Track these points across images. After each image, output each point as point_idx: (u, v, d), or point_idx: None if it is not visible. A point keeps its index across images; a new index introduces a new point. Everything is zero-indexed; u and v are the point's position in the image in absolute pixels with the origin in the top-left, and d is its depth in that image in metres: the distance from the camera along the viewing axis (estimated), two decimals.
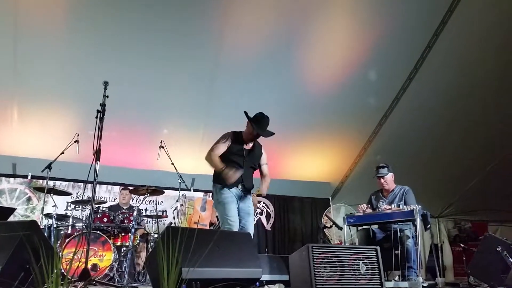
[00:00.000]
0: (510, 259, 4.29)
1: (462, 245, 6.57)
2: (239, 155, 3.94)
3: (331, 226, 6.08)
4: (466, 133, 6.69)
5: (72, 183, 6.94)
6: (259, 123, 3.89)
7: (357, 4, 5.51)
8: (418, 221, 4.30)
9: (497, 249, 4.46)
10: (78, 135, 5.25)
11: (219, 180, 3.90)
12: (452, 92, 6.22)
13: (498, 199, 7.52)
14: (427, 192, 6.69)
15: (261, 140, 4.11)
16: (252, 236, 3.87)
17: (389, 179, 4.95)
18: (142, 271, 5.12)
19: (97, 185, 3.50)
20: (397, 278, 4.53)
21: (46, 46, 5.31)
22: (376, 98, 6.62)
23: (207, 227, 6.64)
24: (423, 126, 6.70)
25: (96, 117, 3.58)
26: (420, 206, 4.36)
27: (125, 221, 5.11)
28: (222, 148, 3.93)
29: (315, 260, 3.15)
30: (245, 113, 3.96)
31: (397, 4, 5.38)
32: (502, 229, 8.41)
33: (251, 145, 4.03)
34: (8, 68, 5.41)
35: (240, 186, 3.92)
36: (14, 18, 4.97)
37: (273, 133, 3.99)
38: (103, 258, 4.66)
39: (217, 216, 6.04)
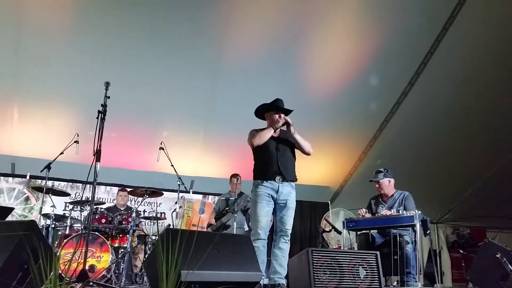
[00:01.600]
0: (509, 266, 4.27)
1: (461, 251, 6.55)
2: (271, 141, 3.84)
3: (330, 231, 6.06)
4: (466, 140, 6.68)
5: (70, 183, 6.93)
6: (275, 102, 3.94)
7: (359, 9, 5.52)
8: (418, 226, 4.29)
9: (496, 255, 4.44)
10: (78, 135, 5.23)
11: (256, 174, 3.82)
12: (452, 98, 6.22)
13: (497, 205, 7.52)
14: (426, 198, 6.68)
15: None
16: (291, 230, 3.80)
17: (384, 184, 4.92)
18: (139, 273, 5.10)
19: (96, 186, 3.47)
20: (395, 283, 4.52)
21: (47, 46, 5.30)
22: (377, 102, 6.62)
23: (205, 227, 6.62)
24: (424, 132, 6.70)
25: (97, 118, 3.56)
26: (419, 212, 4.35)
27: (123, 222, 5.08)
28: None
29: (314, 264, 3.13)
30: (261, 106, 3.97)
31: (399, 10, 5.39)
32: (501, 235, 8.40)
33: (278, 133, 3.95)
34: (9, 67, 5.40)
35: (277, 178, 3.75)
36: (16, 18, 4.97)
37: (292, 110, 3.99)
38: (101, 260, 4.63)
39: (215, 218, 6.01)
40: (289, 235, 3.83)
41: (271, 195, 3.75)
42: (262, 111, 4.02)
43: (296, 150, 4.02)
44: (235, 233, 5.49)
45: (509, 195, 7.24)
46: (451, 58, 5.82)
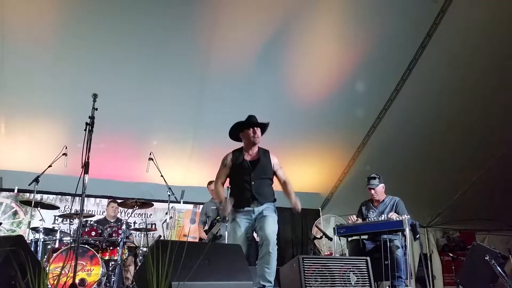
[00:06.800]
0: (498, 267, 4.33)
1: (451, 254, 6.60)
2: (245, 169, 3.72)
3: (321, 237, 6.08)
4: (453, 144, 6.77)
5: (59, 196, 6.84)
6: (248, 119, 3.79)
7: (344, 16, 5.59)
8: (407, 231, 4.32)
9: (485, 258, 4.50)
10: (66, 147, 5.20)
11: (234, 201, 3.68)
12: (438, 103, 6.31)
13: (485, 208, 7.61)
14: (416, 202, 6.73)
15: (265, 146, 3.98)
16: (273, 242, 3.47)
17: (379, 190, 4.96)
18: (131, 286, 5.05)
19: (85, 198, 3.45)
20: None
21: (34, 58, 5.27)
22: (364, 109, 6.68)
23: (197, 240, 6.58)
24: (411, 136, 6.77)
25: (85, 130, 3.54)
26: (409, 216, 4.39)
27: (113, 234, 5.05)
28: (224, 172, 3.79)
29: (305, 271, 3.15)
30: (234, 125, 3.82)
31: (384, 17, 5.47)
32: (490, 237, 8.50)
33: (255, 153, 3.81)
34: None
35: (253, 204, 3.63)
36: (1, 30, 4.94)
37: (267, 123, 3.80)
38: (91, 273, 4.59)
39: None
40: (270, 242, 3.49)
41: (248, 220, 3.63)
42: (236, 132, 3.86)
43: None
44: (227, 242, 5.45)
45: (496, 197, 7.34)
46: (435, 64, 5.91)
